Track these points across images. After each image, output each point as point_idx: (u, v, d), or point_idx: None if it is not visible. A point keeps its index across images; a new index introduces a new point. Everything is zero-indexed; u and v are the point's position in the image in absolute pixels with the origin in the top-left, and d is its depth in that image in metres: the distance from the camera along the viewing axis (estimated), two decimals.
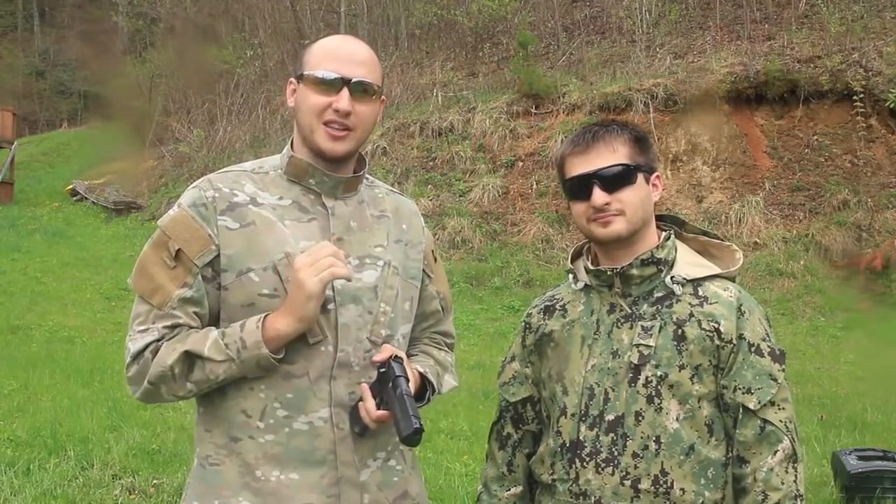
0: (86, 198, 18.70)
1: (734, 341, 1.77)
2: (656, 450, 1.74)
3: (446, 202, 14.00)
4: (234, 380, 1.67)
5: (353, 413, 1.69)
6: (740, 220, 12.43)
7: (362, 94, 1.71)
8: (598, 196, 1.78)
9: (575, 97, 14.57)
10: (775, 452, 1.74)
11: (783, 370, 1.79)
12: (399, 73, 17.50)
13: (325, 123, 1.70)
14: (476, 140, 14.90)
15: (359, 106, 1.71)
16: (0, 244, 14.82)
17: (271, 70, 20.88)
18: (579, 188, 1.81)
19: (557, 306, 1.93)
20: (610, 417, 1.77)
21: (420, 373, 1.78)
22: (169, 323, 1.65)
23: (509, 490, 1.97)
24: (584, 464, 1.78)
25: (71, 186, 19.41)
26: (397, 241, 1.84)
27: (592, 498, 1.77)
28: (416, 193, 13.82)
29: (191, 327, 1.67)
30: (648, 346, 1.77)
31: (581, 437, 1.79)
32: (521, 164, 14.38)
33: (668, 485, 1.74)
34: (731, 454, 1.78)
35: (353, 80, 1.70)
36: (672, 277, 1.82)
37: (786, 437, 1.74)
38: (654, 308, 1.80)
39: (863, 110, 12.48)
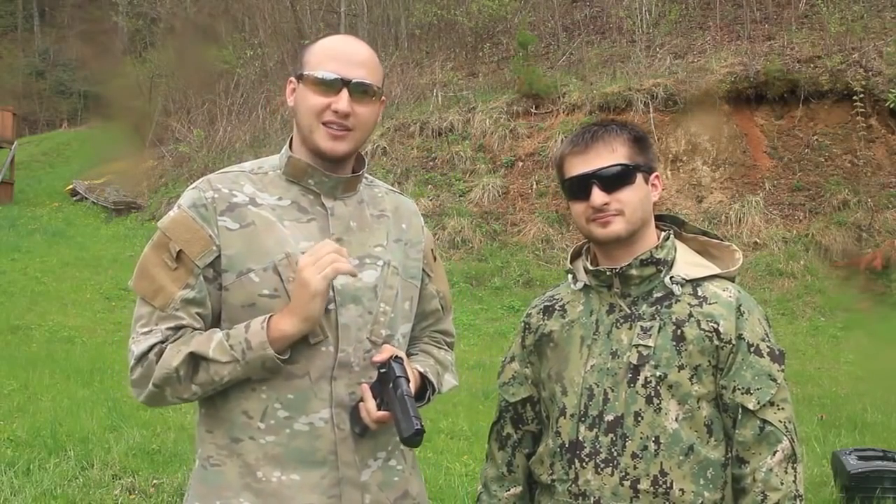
0: (86, 198, 18.70)
1: (733, 341, 1.76)
2: (655, 450, 1.74)
3: (446, 202, 14.00)
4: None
5: (354, 413, 1.69)
6: (740, 220, 12.43)
7: (362, 96, 1.71)
8: (598, 196, 1.78)
9: (575, 97, 14.57)
10: (775, 453, 1.74)
11: (782, 370, 1.79)
12: (399, 73, 17.49)
13: (325, 124, 1.70)
14: (476, 140, 14.91)
15: (358, 107, 1.71)
16: (0, 244, 14.82)
17: (271, 70, 20.88)
18: (578, 188, 1.81)
19: (557, 306, 1.93)
20: (609, 418, 1.77)
21: (420, 372, 1.78)
22: (172, 324, 1.65)
23: (509, 490, 1.97)
24: (584, 464, 1.78)
25: (71, 186, 19.42)
26: (397, 241, 1.84)
27: (592, 498, 1.77)
28: (416, 193, 13.82)
29: (194, 328, 1.66)
30: (648, 347, 1.77)
31: (580, 438, 1.79)
32: (521, 164, 14.38)
33: (668, 485, 1.74)
34: (730, 454, 1.78)
35: (353, 81, 1.70)
36: (671, 277, 1.82)
37: (785, 438, 1.74)
38: (654, 308, 1.80)
39: (863, 110, 12.48)
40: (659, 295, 1.82)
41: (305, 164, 1.75)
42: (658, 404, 1.75)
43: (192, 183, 1.80)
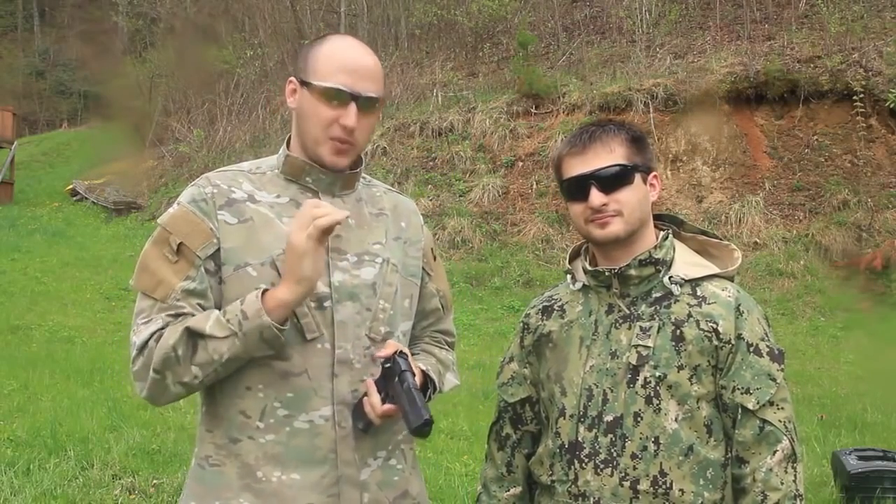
0: (86, 198, 18.71)
1: (733, 341, 1.76)
2: (655, 450, 1.74)
3: (446, 202, 14.00)
4: (233, 379, 1.67)
5: (357, 410, 1.69)
6: (740, 220, 12.43)
7: (369, 109, 1.72)
8: (596, 197, 1.78)
9: (575, 97, 14.57)
10: (774, 452, 1.73)
11: (782, 370, 1.78)
12: (399, 73, 17.49)
13: (331, 138, 1.71)
14: (476, 140, 14.90)
15: (363, 120, 1.71)
16: (0, 244, 14.82)
17: (271, 70, 20.88)
18: (576, 189, 1.81)
19: (556, 307, 1.92)
20: (609, 418, 1.77)
21: (422, 370, 1.78)
22: (172, 312, 1.63)
23: (508, 491, 1.96)
24: (583, 465, 1.78)
25: (71, 186, 19.43)
26: (396, 239, 1.84)
27: (591, 499, 1.77)
28: (416, 193, 13.82)
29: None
30: (647, 347, 1.76)
31: (580, 438, 1.79)
32: (521, 164, 14.38)
33: (667, 485, 1.73)
34: (730, 454, 1.77)
35: (363, 96, 1.70)
36: (670, 277, 1.82)
37: (785, 437, 1.74)
38: (653, 308, 1.80)
39: (863, 110, 12.47)
40: (658, 295, 1.81)
41: (303, 162, 1.75)
42: (657, 405, 1.75)
43: (191, 182, 1.80)
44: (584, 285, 1.89)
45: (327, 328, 1.69)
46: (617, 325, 1.81)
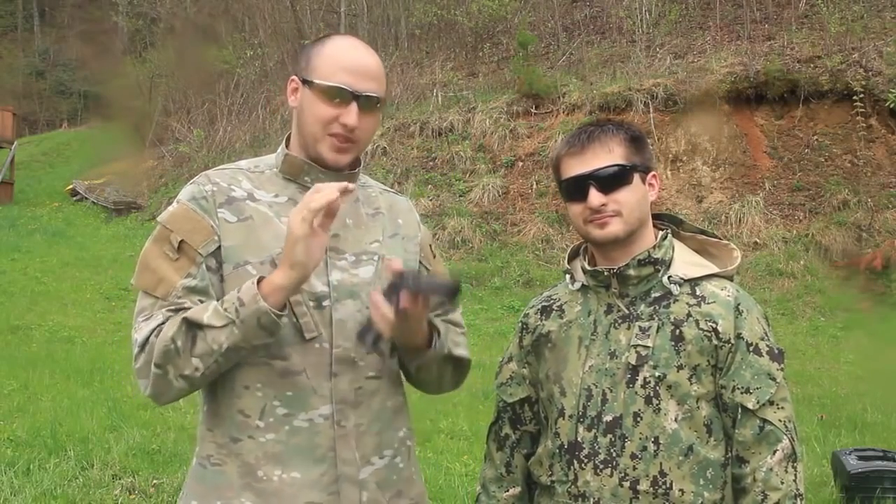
0: (86, 198, 18.71)
1: (732, 341, 1.76)
2: (655, 451, 1.74)
3: (446, 202, 14.00)
4: (232, 378, 1.66)
5: (363, 330, 1.67)
6: (740, 220, 12.43)
7: (370, 108, 1.72)
8: (595, 197, 1.78)
9: (575, 97, 14.56)
10: (774, 452, 1.73)
11: (782, 369, 1.78)
12: (399, 73, 17.48)
13: (330, 135, 1.70)
14: (476, 140, 14.90)
15: (364, 119, 1.71)
16: (0, 244, 14.82)
17: (271, 70, 20.88)
18: (575, 189, 1.81)
19: (555, 307, 1.92)
20: (608, 418, 1.77)
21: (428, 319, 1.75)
22: (173, 308, 1.62)
23: (508, 491, 1.96)
24: (583, 465, 1.78)
25: (71, 186, 19.43)
26: (393, 236, 1.84)
27: (591, 499, 1.77)
28: (416, 193, 13.82)
29: None
30: (646, 347, 1.76)
31: (579, 439, 1.79)
32: (521, 164, 14.38)
33: (667, 486, 1.73)
34: (730, 454, 1.77)
35: (364, 95, 1.70)
36: (669, 277, 1.82)
37: (785, 437, 1.74)
38: (652, 308, 1.80)
39: (863, 110, 12.47)
40: (657, 295, 1.81)
41: (302, 162, 1.75)
42: (657, 405, 1.75)
43: None
44: (583, 285, 1.89)
45: (325, 328, 1.68)
46: (616, 324, 1.81)
